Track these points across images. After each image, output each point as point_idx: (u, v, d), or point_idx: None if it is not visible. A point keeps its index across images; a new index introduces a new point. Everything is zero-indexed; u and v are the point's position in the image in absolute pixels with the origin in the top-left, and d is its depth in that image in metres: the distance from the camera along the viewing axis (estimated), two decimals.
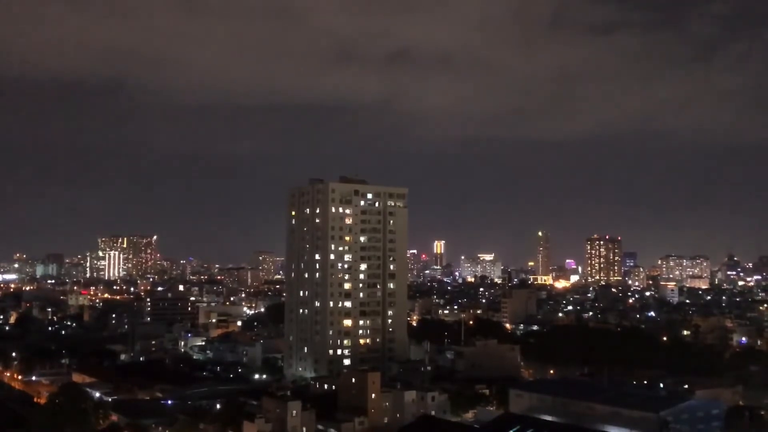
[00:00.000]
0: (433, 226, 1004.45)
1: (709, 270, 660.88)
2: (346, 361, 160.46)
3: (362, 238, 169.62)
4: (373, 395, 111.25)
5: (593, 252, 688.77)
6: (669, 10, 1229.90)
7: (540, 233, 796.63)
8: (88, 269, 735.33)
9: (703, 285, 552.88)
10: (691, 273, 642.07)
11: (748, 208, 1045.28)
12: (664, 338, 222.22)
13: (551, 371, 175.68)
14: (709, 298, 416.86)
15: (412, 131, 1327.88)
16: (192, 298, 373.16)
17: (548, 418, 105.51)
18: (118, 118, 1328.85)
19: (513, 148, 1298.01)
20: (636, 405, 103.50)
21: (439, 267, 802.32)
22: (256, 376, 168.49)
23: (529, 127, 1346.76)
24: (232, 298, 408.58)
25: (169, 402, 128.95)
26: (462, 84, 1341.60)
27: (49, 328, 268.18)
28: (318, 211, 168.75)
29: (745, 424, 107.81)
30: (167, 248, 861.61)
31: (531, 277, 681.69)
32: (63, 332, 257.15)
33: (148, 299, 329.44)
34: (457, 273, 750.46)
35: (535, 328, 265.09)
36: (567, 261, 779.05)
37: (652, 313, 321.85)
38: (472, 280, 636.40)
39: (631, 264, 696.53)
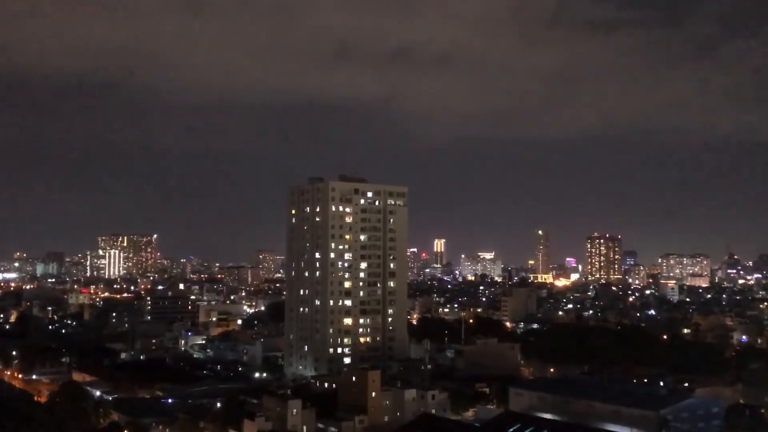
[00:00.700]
0: (433, 225, 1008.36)
1: (709, 268, 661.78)
2: (347, 360, 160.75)
3: (362, 237, 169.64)
4: (374, 394, 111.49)
5: (593, 250, 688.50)
6: (668, 8, 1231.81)
7: (540, 232, 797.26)
8: (88, 268, 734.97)
9: (704, 283, 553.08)
10: (691, 271, 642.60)
11: (748, 206, 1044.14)
12: (664, 337, 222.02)
13: (551, 370, 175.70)
14: (709, 296, 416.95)
15: (412, 130, 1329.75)
16: (192, 297, 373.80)
17: (548, 416, 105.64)
18: (118, 117, 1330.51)
19: (513, 146, 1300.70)
20: (636, 403, 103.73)
21: (439, 265, 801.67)
22: (257, 375, 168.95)
23: (529, 126, 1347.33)
24: (232, 297, 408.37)
25: (170, 401, 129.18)
26: (461, 83, 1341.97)
27: (50, 327, 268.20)
28: (318, 209, 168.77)
29: (745, 423, 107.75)
30: (167, 247, 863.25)
31: (531, 275, 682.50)
32: (63, 331, 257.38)
33: (149, 298, 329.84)
34: (457, 271, 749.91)
35: (535, 326, 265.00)
36: (567, 259, 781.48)
37: (653, 312, 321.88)
38: (473, 278, 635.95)
39: (632, 262, 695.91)
